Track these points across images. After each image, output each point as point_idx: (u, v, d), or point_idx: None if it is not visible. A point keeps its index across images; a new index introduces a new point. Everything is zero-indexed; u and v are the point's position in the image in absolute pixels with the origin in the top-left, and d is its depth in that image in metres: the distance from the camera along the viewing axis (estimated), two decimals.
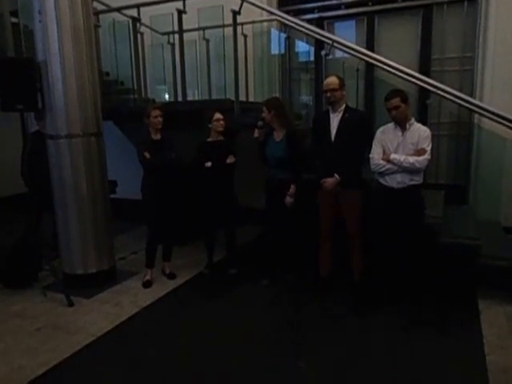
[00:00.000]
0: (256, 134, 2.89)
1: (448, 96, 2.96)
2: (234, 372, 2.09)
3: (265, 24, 4.25)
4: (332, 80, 2.64)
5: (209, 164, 3.01)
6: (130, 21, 3.62)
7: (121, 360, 2.21)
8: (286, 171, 2.86)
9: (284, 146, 2.85)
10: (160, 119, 2.97)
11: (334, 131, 2.68)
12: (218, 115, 3.03)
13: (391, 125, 2.61)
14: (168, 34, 4.13)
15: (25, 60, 3.01)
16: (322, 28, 4.19)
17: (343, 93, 2.67)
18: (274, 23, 4.20)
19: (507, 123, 2.73)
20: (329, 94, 2.63)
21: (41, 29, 2.83)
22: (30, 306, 2.82)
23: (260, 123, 2.87)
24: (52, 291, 2.97)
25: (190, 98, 3.99)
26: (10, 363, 2.18)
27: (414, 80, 3.07)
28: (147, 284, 3.10)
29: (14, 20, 3.79)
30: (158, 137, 3.04)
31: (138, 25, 3.63)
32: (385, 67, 3.11)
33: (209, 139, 3.11)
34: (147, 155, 2.93)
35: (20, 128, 3.11)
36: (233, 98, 3.39)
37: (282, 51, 4.21)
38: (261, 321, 2.59)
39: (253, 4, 3.25)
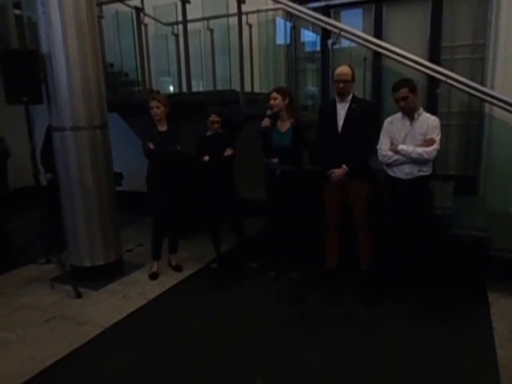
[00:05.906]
0: (267, 123, 2.80)
1: (458, 85, 2.89)
2: (241, 363, 2.09)
3: (270, 13, 4.17)
4: (346, 70, 2.58)
5: (206, 158, 2.98)
6: (134, 11, 3.59)
7: (129, 351, 2.23)
8: (288, 162, 2.82)
9: (290, 137, 2.79)
10: (156, 110, 2.91)
11: (341, 122, 2.63)
12: (213, 117, 2.97)
13: (399, 115, 2.56)
14: (172, 24, 4.09)
15: (29, 52, 2.99)
16: (329, 16, 4.09)
17: (353, 83, 2.62)
18: (280, 12, 4.12)
19: None
20: (342, 85, 2.57)
21: (44, 20, 2.81)
22: (39, 298, 2.85)
23: (269, 112, 2.80)
24: (60, 283, 3.00)
25: (194, 89, 3.95)
26: (19, 354, 2.21)
27: (423, 69, 2.99)
28: (154, 276, 3.12)
29: (17, 12, 3.78)
30: (164, 128, 3.02)
31: (141, 15, 3.59)
32: (393, 56, 3.04)
33: (208, 133, 3.08)
34: (151, 146, 2.92)
35: (40, 120, 3.06)
36: (238, 89, 3.35)
37: (288, 41, 4.13)
38: (268, 312, 2.59)
39: None
